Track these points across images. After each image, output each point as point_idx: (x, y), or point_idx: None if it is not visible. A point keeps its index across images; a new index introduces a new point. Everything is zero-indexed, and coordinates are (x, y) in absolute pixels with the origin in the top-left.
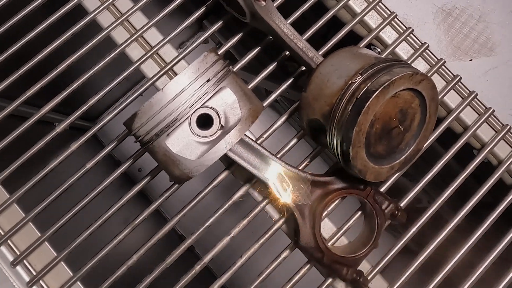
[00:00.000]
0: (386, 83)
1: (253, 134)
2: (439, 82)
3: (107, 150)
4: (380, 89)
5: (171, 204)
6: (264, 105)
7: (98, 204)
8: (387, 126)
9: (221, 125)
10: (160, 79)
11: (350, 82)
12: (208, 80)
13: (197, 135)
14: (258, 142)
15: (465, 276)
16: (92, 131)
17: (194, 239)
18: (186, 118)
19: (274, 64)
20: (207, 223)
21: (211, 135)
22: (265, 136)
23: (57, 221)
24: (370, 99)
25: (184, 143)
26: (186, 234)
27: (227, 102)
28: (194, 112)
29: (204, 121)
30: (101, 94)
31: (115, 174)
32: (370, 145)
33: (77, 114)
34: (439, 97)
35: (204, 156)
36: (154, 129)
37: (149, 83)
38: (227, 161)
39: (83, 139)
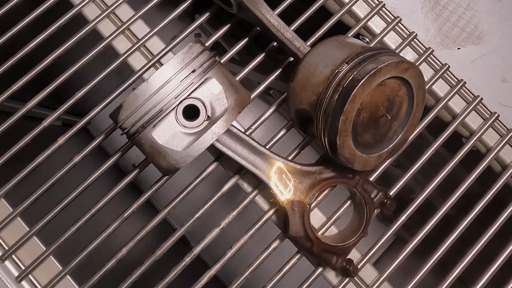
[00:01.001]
0: (372, 71)
1: (243, 125)
2: (427, 71)
3: (95, 143)
4: (366, 77)
5: (164, 197)
6: (252, 96)
7: (90, 198)
8: (374, 115)
9: (208, 116)
10: (147, 71)
11: (337, 71)
12: (193, 71)
13: (184, 126)
14: (247, 133)
15: (455, 263)
16: (80, 124)
17: (183, 231)
18: (172, 109)
19: (262, 55)
20: (197, 215)
21: (197, 126)
22: (253, 127)
23: (46, 215)
24: (356, 88)
25: (170, 134)
26: (179, 227)
27: (213, 92)
28: (180, 103)
29: (191, 112)
30: (88, 87)
31: (104, 168)
32: (357, 134)
33: (63, 108)
34: (428, 86)
35: (190, 147)
36: (139, 121)
37: (136, 75)
38: (216, 153)
39: (70, 133)
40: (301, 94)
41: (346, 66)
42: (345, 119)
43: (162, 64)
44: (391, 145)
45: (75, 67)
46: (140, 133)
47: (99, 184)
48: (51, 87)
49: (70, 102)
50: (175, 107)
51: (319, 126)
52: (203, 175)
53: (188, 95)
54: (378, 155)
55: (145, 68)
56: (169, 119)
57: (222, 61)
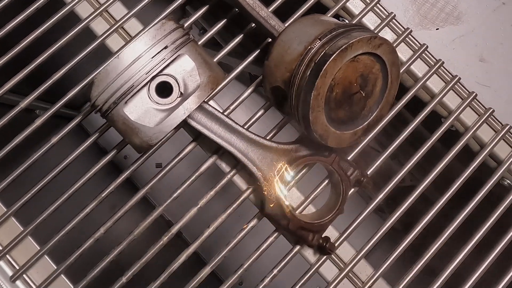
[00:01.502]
0: (343, 46)
1: (221, 106)
2: (406, 52)
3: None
4: (337, 52)
5: (160, 191)
6: (229, 78)
7: (84, 194)
8: (348, 91)
9: (181, 93)
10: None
11: (309, 47)
12: (165, 47)
13: (156, 102)
14: (225, 113)
15: (434, 240)
16: (57, 106)
17: (161, 210)
18: (144, 85)
19: (241, 36)
20: (174, 194)
21: (170, 103)
22: (231, 107)
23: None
24: (327, 63)
25: (143, 111)
26: (174, 220)
27: (185, 69)
28: (152, 79)
29: (164, 89)
30: (66, 67)
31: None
32: (331, 110)
33: (41, 88)
34: (406, 66)
35: (162, 123)
36: (111, 97)
37: (114, 57)
38: (194, 133)
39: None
40: (276, 71)
41: (319, 42)
42: (317, 94)
43: None
44: (366, 123)
45: (52, 49)
46: (113, 109)
47: (91, 178)
48: (26, 71)
49: (49, 83)
50: (147, 83)
51: (293, 102)
52: (181, 155)
53: (160, 71)
54: (353, 132)
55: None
56: (141, 96)
57: (200, 43)
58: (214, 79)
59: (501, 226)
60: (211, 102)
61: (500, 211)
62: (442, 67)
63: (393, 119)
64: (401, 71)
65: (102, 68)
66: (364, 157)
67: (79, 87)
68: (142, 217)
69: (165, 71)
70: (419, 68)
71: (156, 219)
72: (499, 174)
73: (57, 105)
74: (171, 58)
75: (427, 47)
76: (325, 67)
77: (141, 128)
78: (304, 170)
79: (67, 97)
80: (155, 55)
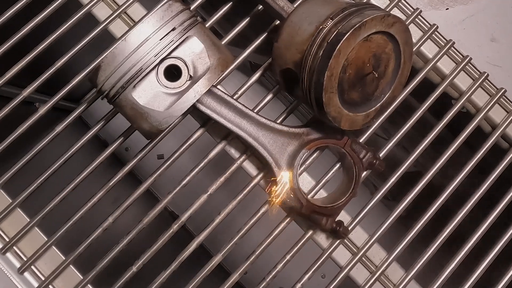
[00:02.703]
0: (357, 25)
1: (228, 92)
2: (415, 32)
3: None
4: (350, 31)
5: (162, 183)
6: (238, 60)
7: (87, 186)
8: (361, 72)
9: (190, 76)
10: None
11: (321, 27)
12: (173, 29)
13: (165, 86)
14: (235, 98)
15: (447, 223)
16: (60, 94)
17: (170, 198)
18: (152, 69)
19: (247, 19)
20: (183, 182)
21: (179, 86)
22: (239, 92)
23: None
24: (341, 42)
25: (152, 95)
26: (178, 212)
27: (194, 51)
28: (161, 62)
29: (173, 72)
30: (69, 54)
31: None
32: (344, 91)
33: (41, 78)
34: (416, 47)
35: (172, 107)
36: (119, 82)
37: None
38: (201, 119)
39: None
40: (286, 53)
41: (331, 22)
42: (330, 75)
43: None
44: (379, 104)
45: (52, 37)
46: (120, 94)
47: (95, 172)
48: (27, 59)
49: (51, 70)
50: (155, 66)
51: (305, 84)
52: (189, 142)
53: (168, 54)
54: (365, 114)
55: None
56: (150, 79)
57: (207, 26)
58: (224, 61)
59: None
60: (219, 87)
61: None
62: (452, 48)
63: (400, 107)
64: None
65: (108, 51)
66: (371, 145)
67: (83, 74)
68: (144, 210)
69: (173, 54)
70: (429, 49)
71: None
72: None
73: (61, 94)
74: (180, 40)
75: (437, 27)
76: (338, 46)
77: (151, 113)
78: (315, 155)
79: (71, 85)
80: (163, 37)
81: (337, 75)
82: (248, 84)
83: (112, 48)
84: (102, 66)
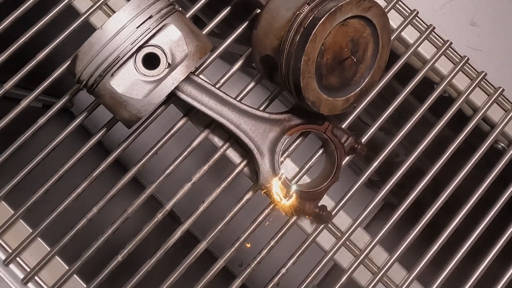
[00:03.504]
0: (332, 9)
1: (210, 80)
2: (396, 18)
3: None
4: (326, 16)
5: (150, 173)
6: (220, 50)
7: (74, 179)
8: (339, 57)
9: (168, 64)
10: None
11: (298, 12)
12: (150, 17)
13: (144, 74)
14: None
15: (429, 207)
16: (45, 85)
17: (154, 187)
18: (130, 57)
19: (228, 9)
20: (167, 171)
21: (158, 74)
22: (222, 81)
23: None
24: (317, 26)
25: (130, 83)
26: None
27: (172, 39)
28: (138, 51)
29: (151, 61)
30: (51, 46)
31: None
32: (322, 76)
33: (24, 70)
34: (397, 33)
35: (151, 94)
36: (97, 70)
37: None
38: (184, 108)
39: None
40: (265, 40)
41: (307, 7)
42: (307, 60)
43: None
44: (359, 88)
45: (33, 30)
46: (99, 83)
47: (84, 166)
48: (5, 55)
49: (33, 63)
50: (133, 54)
51: (283, 70)
52: (172, 131)
53: (145, 42)
54: (345, 98)
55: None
56: (128, 68)
57: (188, 16)
58: (202, 48)
59: (496, 190)
60: (201, 76)
61: (495, 174)
62: (433, 33)
63: (384, 91)
64: (392, 38)
65: (85, 41)
66: (356, 131)
67: (65, 66)
68: (133, 200)
69: (151, 42)
70: (410, 34)
71: (147, 200)
72: (493, 137)
73: (43, 86)
74: (157, 28)
75: (417, 12)
76: (314, 31)
77: (129, 101)
78: (298, 141)
79: (53, 77)
80: (140, 25)
81: (314, 60)
82: (230, 73)
83: (89, 37)
84: (79, 55)
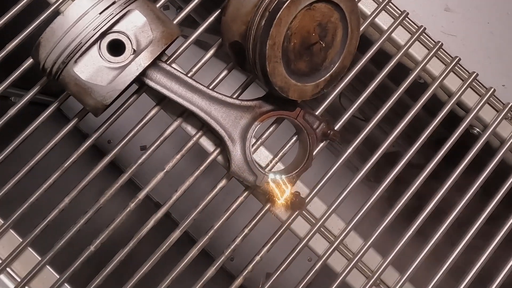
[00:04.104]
0: None
1: (183, 68)
2: (369, 5)
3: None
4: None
5: (144, 173)
6: (191, 39)
7: (68, 181)
8: (307, 42)
9: (134, 50)
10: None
11: None
12: (113, 3)
13: (108, 61)
14: (189, 76)
15: (405, 191)
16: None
17: (128, 176)
18: (94, 43)
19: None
20: (140, 160)
21: (123, 61)
22: (194, 70)
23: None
24: (281, 10)
25: (94, 69)
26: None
27: (137, 25)
28: (103, 37)
29: (117, 47)
30: (20, 37)
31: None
32: (290, 61)
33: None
34: (370, 19)
35: (115, 81)
36: (60, 57)
37: None
38: (156, 97)
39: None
40: (233, 26)
41: None
42: (273, 44)
43: None
44: (328, 74)
45: (3, 20)
46: (62, 70)
47: (74, 165)
48: None
49: (1, 55)
50: (96, 40)
51: (250, 55)
52: (144, 120)
53: (109, 28)
54: (315, 84)
55: None
56: (92, 54)
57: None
58: (168, 34)
59: (470, 174)
60: (174, 66)
61: (470, 158)
62: (407, 18)
63: (364, 77)
64: (365, 24)
65: (47, 27)
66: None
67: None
68: (128, 199)
69: (115, 28)
70: (384, 20)
71: (127, 191)
72: (467, 121)
73: (12, 77)
74: (120, 14)
75: None
76: (278, 15)
77: (94, 88)
78: (272, 128)
79: (22, 68)
80: (103, 11)
81: (280, 44)
82: (202, 61)
83: (51, 24)
84: (41, 42)
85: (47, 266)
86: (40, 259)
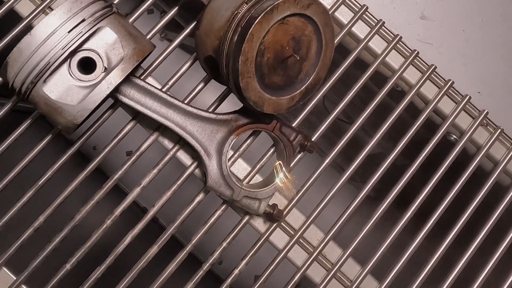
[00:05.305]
0: (269, 8)
1: (160, 82)
2: (346, 14)
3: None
4: (262, 15)
5: (132, 179)
6: (167, 51)
7: (55, 186)
8: (280, 55)
9: (105, 68)
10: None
11: (236, 12)
12: (83, 20)
13: (79, 79)
14: (164, 89)
15: (383, 199)
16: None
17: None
18: (63, 62)
19: (176, 9)
20: (115, 176)
21: (94, 79)
22: (170, 83)
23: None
24: (253, 26)
25: (64, 89)
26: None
27: (107, 42)
28: (72, 55)
29: (88, 65)
30: None
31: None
32: (264, 75)
33: None
34: (347, 29)
35: (86, 100)
36: (28, 77)
37: None
38: (132, 112)
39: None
40: (206, 40)
41: (245, 6)
42: (245, 60)
43: None
44: (304, 86)
45: None
46: (31, 90)
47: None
48: None
49: None
50: (66, 59)
51: (224, 70)
52: (119, 136)
53: (79, 46)
54: (290, 97)
55: None
56: (61, 73)
57: (132, 19)
58: (140, 51)
59: (448, 180)
60: (149, 79)
61: (447, 164)
62: (383, 27)
63: (345, 78)
64: (342, 34)
65: (14, 47)
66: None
67: None
68: (114, 206)
69: (85, 46)
70: (360, 29)
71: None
72: (444, 129)
73: None
74: (90, 32)
75: (367, 8)
76: (250, 30)
77: (64, 107)
78: (249, 140)
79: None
80: (72, 29)
81: (252, 60)
82: (178, 75)
83: (18, 44)
84: (9, 62)
85: (23, 286)
86: (15, 278)
